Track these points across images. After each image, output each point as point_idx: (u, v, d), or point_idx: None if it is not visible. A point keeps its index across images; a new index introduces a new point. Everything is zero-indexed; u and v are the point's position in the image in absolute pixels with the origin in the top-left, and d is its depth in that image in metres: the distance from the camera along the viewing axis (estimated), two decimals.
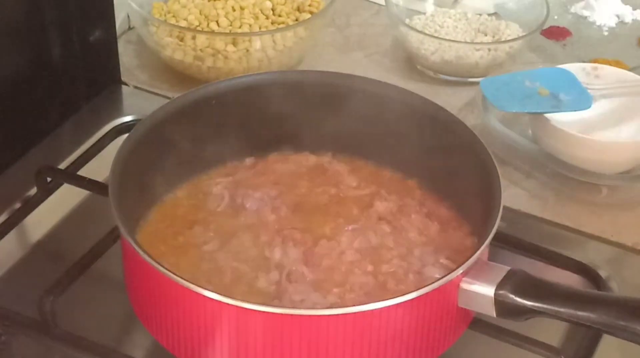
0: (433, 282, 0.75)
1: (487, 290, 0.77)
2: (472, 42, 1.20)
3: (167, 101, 0.92)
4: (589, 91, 1.07)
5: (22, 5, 0.98)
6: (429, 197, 0.93)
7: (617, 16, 1.31)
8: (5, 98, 0.98)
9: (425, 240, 0.88)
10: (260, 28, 1.17)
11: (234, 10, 1.19)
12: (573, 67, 1.10)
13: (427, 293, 0.74)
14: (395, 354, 0.76)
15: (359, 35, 1.28)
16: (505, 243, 0.91)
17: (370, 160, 0.97)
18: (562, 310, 0.76)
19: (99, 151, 1.02)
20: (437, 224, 0.90)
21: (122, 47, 1.19)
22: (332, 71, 1.04)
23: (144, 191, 0.89)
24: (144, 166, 0.87)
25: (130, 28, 1.25)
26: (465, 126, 0.89)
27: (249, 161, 0.96)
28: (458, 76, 1.19)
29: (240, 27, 1.17)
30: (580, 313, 0.75)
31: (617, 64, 1.18)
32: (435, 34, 1.20)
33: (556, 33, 1.27)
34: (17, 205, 0.96)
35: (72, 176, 0.97)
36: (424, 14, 1.26)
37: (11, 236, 0.94)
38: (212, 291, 0.73)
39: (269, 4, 1.20)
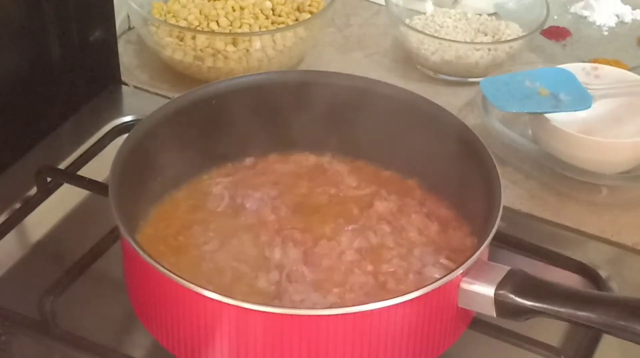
0: (433, 282, 0.75)
1: (487, 290, 0.77)
2: (472, 42, 1.20)
3: (167, 101, 0.92)
4: (589, 91, 1.07)
5: (22, 5, 0.98)
6: (429, 197, 0.93)
7: (617, 16, 1.31)
8: (5, 98, 0.98)
9: (425, 240, 0.88)
10: (260, 28, 1.17)
11: (234, 10, 1.19)
12: (573, 67, 1.10)
13: (427, 293, 0.74)
14: (395, 354, 0.76)
15: (359, 36, 1.28)
16: (505, 243, 0.91)
17: (370, 160, 0.97)
18: (562, 310, 0.76)
19: (99, 151, 1.02)
20: (437, 224, 0.90)
21: (122, 47, 1.19)
22: (332, 71, 1.04)
23: (144, 191, 0.89)
24: (144, 166, 0.87)
25: (130, 28, 1.25)
26: (465, 126, 0.89)
27: (249, 161, 0.96)
28: (458, 76, 1.19)
29: (240, 27, 1.17)
30: (580, 313, 0.75)
31: (617, 63, 1.18)
32: (435, 34, 1.20)
33: (556, 33, 1.27)
34: (17, 205, 0.96)
35: (72, 176, 0.97)
36: (424, 14, 1.26)
37: (11, 236, 0.94)
38: (212, 291, 0.73)
39: (269, 4, 1.20)
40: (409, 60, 1.22)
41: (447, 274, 0.76)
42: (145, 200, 0.89)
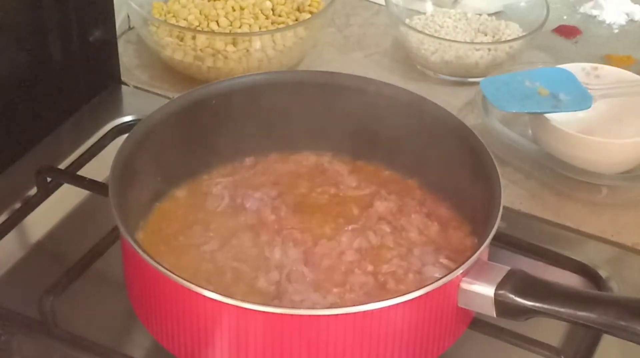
0: (433, 282, 0.75)
1: (487, 290, 0.77)
2: (472, 42, 1.20)
3: (167, 101, 0.92)
4: (589, 91, 1.07)
5: (22, 5, 0.98)
6: (429, 197, 0.93)
7: (627, 14, 1.32)
8: (5, 98, 0.98)
9: (425, 240, 0.88)
10: (260, 28, 1.17)
11: (234, 10, 1.19)
12: (573, 67, 1.10)
13: (427, 293, 0.74)
14: (395, 354, 0.76)
15: (359, 36, 1.28)
16: (505, 243, 0.91)
17: (370, 160, 0.97)
18: (562, 310, 0.76)
19: (99, 151, 1.02)
20: (437, 224, 0.90)
21: (122, 47, 1.19)
22: (332, 71, 1.04)
23: (144, 191, 0.89)
24: (144, 166, 0.87)
25: (130, 28, 1.25)
26: (466, 126, 0.89)
27: (249, 161, 0.96)
28: (458, 76, 1.19)
29: (240, 27, 1.17)
30: (580, 313, 0.75)
31: (629, 59, 1.20)
32: (435, 34, 1.20)
33: (566, 31, 1.27)
34: (17, 205, 0.96)
35: (72, 176, 0.97)
36: (424, 14, 1.26)
37: (11, 236, 0.94)
38: (212, 291, 0.73)
39: (269, 4, 1.20)
40: (409, 60, 1.22)
41: (447, 274, 0.76)
42: (145, 200, 0.89)
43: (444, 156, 0.91)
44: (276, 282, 0.82)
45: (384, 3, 1.23)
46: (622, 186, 1.04)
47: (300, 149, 0.97)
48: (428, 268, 0.84)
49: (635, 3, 1.32)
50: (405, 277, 0.84)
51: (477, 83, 1.10)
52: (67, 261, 0.87)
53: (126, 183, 0.83)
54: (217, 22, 1.17)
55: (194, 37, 1.13)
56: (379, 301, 0.74)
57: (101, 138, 1.04)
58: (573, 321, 0.76)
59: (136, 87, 1.16)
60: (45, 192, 0.96)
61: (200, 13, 1.18)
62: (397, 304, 0.74)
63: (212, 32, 1.15)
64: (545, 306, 0.76)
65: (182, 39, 1.14)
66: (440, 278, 0.76)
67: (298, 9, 1.21)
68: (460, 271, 0.77)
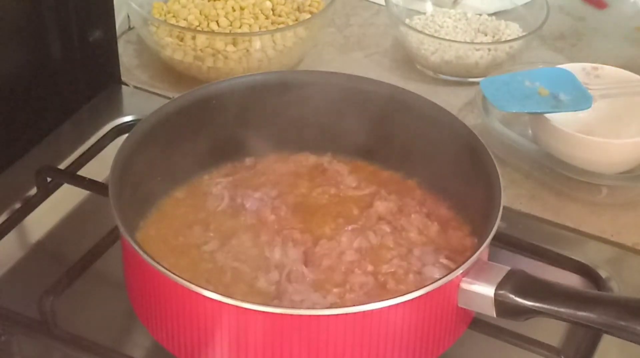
0: (433, 282, 0.75)
1: (487, 290, 0.77)
2: (472, 42, 1.20)
3: (167, 101, 0.92)
4: (589, 91, 1.07)
5: (22, 5, 0.98)
6: (429, 197, 0.93)
7: None
8: (5, 98, 0.98)
9: (425, 240, 0.88)
10: (260, 28, 1.17)
11: (234, 10, 1.19)
12: (573, 67, 1.10)
13: (427, 293, 0.74)
14: (395, 354, 0.76)
15: (359, 36, 1.28)
16: (505, 243, 0.91)
17: (370, 160, 0.97)
18: (562, 310, 0.76)
19: (99, 151, 1.02)
20: (437, 224, 0.90)
21: (122, 47, 1.19)
22: (332, 71, 1.04)
23: (144, 191, 0.89)
24: (144, 166, 0.87)
25: (130, 28, 1.25)
26: (465, 126, 0.89)
27: (249, 161, 0.96)
28: (458, 76, 1.19)
29: (240, 27, 1.17)
30: (580, 313, 0.75)
31: None
32: (435, 34, 1.20)
33: (595, 2, 1.27)
34: (17, 205, 0.96)
35: (72, 176, 0.97)
36: (424, 14, 1.26)
37: (11, 236, 0.94)
38: (212, 291, 0.73)
39: (269, 4, 1.20)
40: (409, 60, 1.22)
41: (447, 274, 0.76)
42: (145, 200, 0.89)
43: (444, 156, 0.91)
44: (276, 282, 0.82)
45: (384, 3, 1.23)
46: (622, 186, 1.04)
47: (300, 149, 0.97)
48: (428, 268, 0.84)
49: None
50: (405, 277, 0.84)
51: (477, 83, 1.10)
52: (67, 261, 0.87)
53: (126, 183, 0.83)
54: (217, 22, 1.17)
55: (194, 37, 1.13)
56: (379, 301, 0.74)
57: (101, 138, 1.04)
58: (573, 321, 0.76)
59: (136, 87, 1.16)
60: (45, 192, 0.96)
61: (200, 13, 1.18)
62: (397, 304, 0.74)
63: (212, 32, 1.15)
64: (545, 306, 0.76)
65: (182, 39, 1.14)
66: (440, 278, 0.76)
67: (298, 9, 1.21)
68: (460, 271, 0.77)
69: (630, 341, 0.75)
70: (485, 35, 1.22)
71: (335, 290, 0.82)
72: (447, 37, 1.20)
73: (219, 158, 0.95)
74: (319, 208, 0.91)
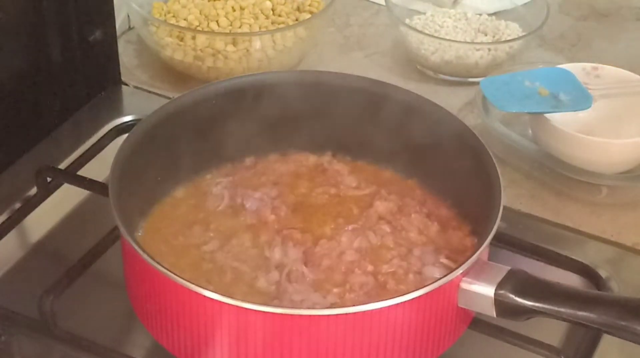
0: (433, 282, 0.75)
1: (487, 290, 0.77)
2: (472, 42, 1.20)
3: (167, 101, 0.92)
4: (589, 91, 1.07)
5: (22, 5, 0.98)
6: (429, 197, 0.93)
7: None
8: (5, 98, 0.98)
9: (425, 240, 0.88)
10: (260, 28, 1.17)
11: (234, 10, 1.19)
12: (573, 67, 1.10)
13: (427, 293, 0.74)
14: (395, 354, 0.76)
15: (359, 36, 1.28)
16: (505, 243, 0.91)
17: (370, 160, 0.97)
18: (562, 310, 0.76)
19: (99, 151, 1.02)
20: (437, 224, 0.90)
21: (122, 47, 1.19)
22: (332, 71, 1.04)
23: (143, 191, 0.89)
24: (144, 166, 0.87)
25: (130, 28, 1.25)
26: (466, 126, 0.89)
27: (249, 161, 0.96)
28: (458, 76, 1.19)
29: (240, 27, 1.17)
30: (580, 313, 0.75)
31: None
32: (435, 34, 1.20)
33: None
34: (17, 205, 0.96)
35: (72, 176, 0.97)
36: (424, 14, 1.25)
37: (11, 236, 0.94)
38: (212, 291, 0.73)
39: (269, 4, 1.20)
40: (409, 60, 1.22)
41: (447, 274, 0.76)
42: (145, 200, 0.89)
43: (444, 156, 0.91)
44: (276, 282, 0.82)
45: (384, 3, 1.23)
46: (622, 186, 1.04)
47: (300, 149, 0.97)
48: (428, 268, 0.84)
49: None
50: (405, 277, 0.84)
51: (477, 83, 1.10)
52: (67, 261, 0.87)
53: (126, 183, 0.83)
54: (217, 22, 1.17)
55: (194, 37, 1.13)
56: (379, 301, 0.74)
57: (101, 138, 1.04)
58: (573, 321, 0.76)
59: (136, 87, 1.16)
60: (45, 192, 0.96)
61: (200, 13, 1.18)
62: (397, 304, 0.74)
63: (212, 32, 1.15)
64: (545, 306, 0.76)
65: (182, 39, 1.14)
66: (440, 278, 0.76)
67: (298, 9, 1.21)
68: (460, 271, 0.77)
69: (630, 341, 0.75)
70: (485, 35, 1.22)
71: (335, 290, 0.82)
72: (447, 37, 1.20)
73: (219, 158, 0.95)
74: (319, 208, 0.91)
